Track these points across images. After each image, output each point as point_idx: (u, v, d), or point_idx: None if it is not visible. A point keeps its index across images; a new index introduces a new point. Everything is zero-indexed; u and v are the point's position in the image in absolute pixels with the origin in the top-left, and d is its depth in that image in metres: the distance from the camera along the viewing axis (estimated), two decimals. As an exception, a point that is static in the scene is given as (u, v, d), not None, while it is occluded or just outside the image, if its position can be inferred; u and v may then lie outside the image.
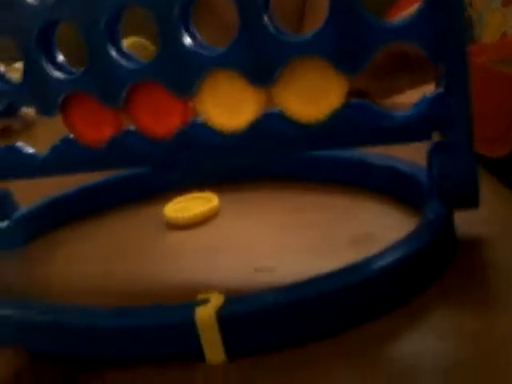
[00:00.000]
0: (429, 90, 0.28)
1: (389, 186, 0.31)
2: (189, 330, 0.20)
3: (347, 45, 0.23)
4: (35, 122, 0.73)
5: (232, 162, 0.34)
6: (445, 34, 0.22)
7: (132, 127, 0.28)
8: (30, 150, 0.30)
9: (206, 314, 0.20)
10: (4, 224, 0.33)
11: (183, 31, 0.25)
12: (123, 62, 0.26)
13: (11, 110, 0.66)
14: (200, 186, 0.36)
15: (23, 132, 0.71)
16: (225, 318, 0.20)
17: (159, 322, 0.21)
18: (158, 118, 0.27)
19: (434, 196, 0.26)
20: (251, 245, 0.29)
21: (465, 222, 0.26)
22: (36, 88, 0.28)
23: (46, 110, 0.28)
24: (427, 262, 0.23)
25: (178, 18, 0.24)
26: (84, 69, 0.26)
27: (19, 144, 0.31)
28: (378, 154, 0.32)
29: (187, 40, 0.25)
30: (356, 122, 0.25)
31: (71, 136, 0.29)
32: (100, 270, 0.29)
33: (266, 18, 0.24)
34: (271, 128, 0.26)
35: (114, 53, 0.26)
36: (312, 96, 0.25)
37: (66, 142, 0.29)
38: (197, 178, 0.36)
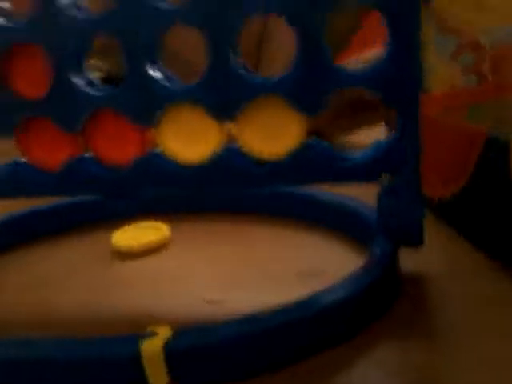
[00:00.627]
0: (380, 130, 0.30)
1: (338, 223, 0.32)
2: (134, 363, 0.20)
3: (309, 87, 0.25)
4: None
5: (188, 192, 0.35)
6: (400, 82, 0.24)
7: (89, 154, 0.28)
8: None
9: (152, 347, 0.20)
10: None
11: (148, 62, 0.25)
12: (87, 88, 0.26)
13: None
14: (149, 215, 0.36)
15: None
16: (171, 352, 0.20)
17: (103, 353, 0.20)
18: (116, 145, 0.27)
19: (381, 234, 0.27)
20: (201, 277, 0.30)
21: (409, 260, 0.27)
22: None
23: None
24: (375, 296, 0.24)
25: (145, 48, 0.25)
26: (45, 94, 0.26)
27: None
28: (329, 191, 0.33)
29: (154, 71, 0.25)
30: (312, 160, 0.26)
31: (24, 159, 0.29)
32: (38, 299, 0.29)
33: (234, 59, 0.25)
34: (231, 162, 0.27)
35: (76, 79, 0.26)
36: (272, 134, 0.26)
37: (17, 165, 0.29)
38: (146, 207, 0.36)
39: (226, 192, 0.36)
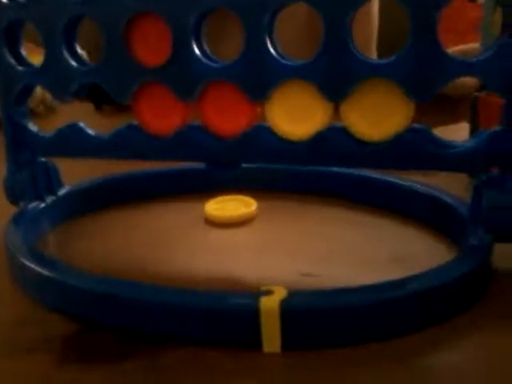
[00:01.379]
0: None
1: (428, 215, 0.33)
2: (252, 318, 0.21)
3: (422, 73, 0.25)
4: (57, 107, 0.74)
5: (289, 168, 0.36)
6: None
7: (198, 123, 0.29)
8: (92, 131, 0.31)
9: (270, 304, 0.21)
10: (50, 199, 0.34)
11: (267, 38, 0.26)
12: (204, 59, 0.27)
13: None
14: (239, 191, 0.37)
15: (46, 116, 0.72)
16: (288, 311, 0.21)
17: (225, 305, 0.22)
18: (227, 117, 0.29)
19: (477, 226, 0.27)
20: (291, 250, 0.31)
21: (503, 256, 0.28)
22: (54, 74, 0.30)
23: (60, 95, 0.30)
24: (470, 285, 0.25)
25: (265, 24, 0.26)
26: (165, 61, 0.28)
27: (81, 124, 0.32)
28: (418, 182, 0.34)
29: (270, 47, 0.26)
30: (417, 146, 0.27)
31: (136, 123, 0.30)
32: (137, 254, 0.30)
33: (348, 36, 0.25)
34: (333, 141, 0.28)
35: (196, 49, 0.27)
36: (378, 116, 0.27)
37: (130, 128, 0.30)
38: (237, 182, 0.38)
39: (317, 175, 0.38)
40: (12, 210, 0.32)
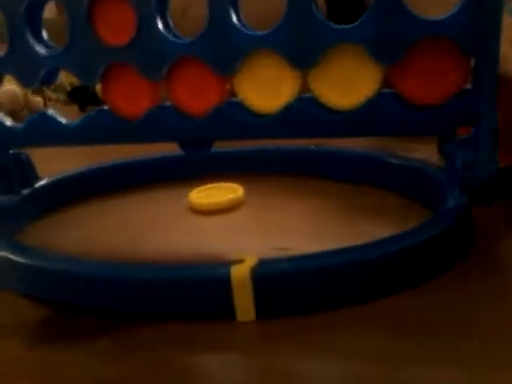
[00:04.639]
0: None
1: (407, 185, 0.32)
2: (223, 287, 0.21)
3: (388, 35, 0.25)
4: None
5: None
6: (478, 30, 0.23)
7: (168, 102, 0.29)
8: (63, 119, 0.31)
9: (241, 272, 0.21)
10: (25, 192, 0.34)
11: (231, 9, 0.26)
12: (169, 36, 0.27)
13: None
14: (224, 177, 0.37)
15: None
16: (259, 277, 0.21)
17: (196, 277, 0.22)
18: (196, 95, 0.28)
19: (453, 189, 0.27)
20: (274, 230, 0.30)
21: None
22: (19, 61, 0.29)
23: (28, 82, 0.30)
24: (449, 244, 0.24)
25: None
26: (130, 40, 0.27)
27: (51, 112, 0.31)
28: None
29: (234, 18, 0.26)
30: (388, 110, 0.26)
31: (106, 107, 0.30)
32: (127, 237, 0.30)
33: (313, 4, 0.25)
34: (305, 112, 0.27)
35: (161, 26, 0.27)
36: (347, 83, 0.26)
37: (100, 112, 0.30)
38: (221, 167, 0.38)
39: (301, 154, 0.37)
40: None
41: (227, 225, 0.32)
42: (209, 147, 0.30)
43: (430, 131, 0.27)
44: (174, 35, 0.28)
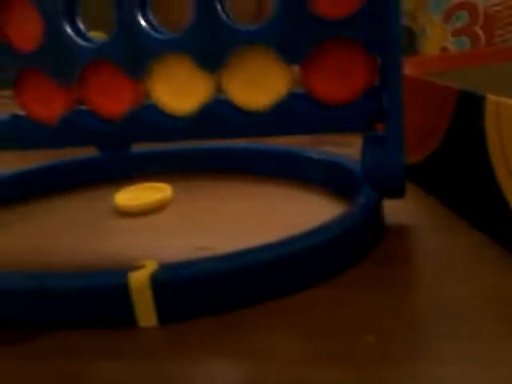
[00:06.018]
0: None
1: (330, 180, 0.33)
2: (122, 294, 0.21)
3: (292, 36, 0.25)
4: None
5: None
6: (380, 28, 0.24)
7: (84, 107, 0.29)
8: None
9: (139, 278, 0.21)
10: None
11: (139, 13, 0.26)
12: (79, 40, 0.27)
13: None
14: (153, 177, 0.37)
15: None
16: (159, 283, 0.21)
17: (95, 285, 0.21)
18: (110, 97, 0.28)
19: (365, 183, 0.28)
20: (195, 229, 0.31)
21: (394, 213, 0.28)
22: None
23: None
24: (354, 240, 0.25)
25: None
26: (39, 47, 0.27)
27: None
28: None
29: (142, 22, 0.26)
30: (300, 110, 0.27)
31: (22, 112, 0.30)
32: (44, 243, 0.30)
33: (219, 7, 0.25)
34: (219, 113, 0.27)
35: (69, 31, 0.27)
36: (258, 85, 0.27)
37: (16, 118, 0.30)
38: (149, 167, 0.38)
39: (226, 152, 0.38)
40: None
41: (151, 226, 0.32)
42: (126, 149, 0.30)
43: (342, 129, 0.27)
44: (86, 39, 0.27)
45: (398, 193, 0.27)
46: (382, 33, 0.24)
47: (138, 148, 0.37)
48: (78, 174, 0.38)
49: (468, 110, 0.26)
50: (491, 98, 0.23)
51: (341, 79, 0.26)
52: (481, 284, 0.22)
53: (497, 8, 0.34)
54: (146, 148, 0.38)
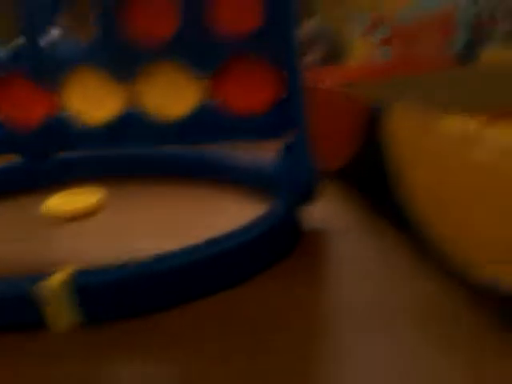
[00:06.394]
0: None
1: (256, 183, 0.34)
2: (35, 301, 0.21)
3: (199, 52, 0.26)
4: None
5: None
6: (280, 44, 0.25)
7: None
8: None
9: (53, 283, 0.21)
10: None
11: (50, 26, 0.26)
12: (-10, 53, 0.27)
13: None
14: (85, 182, 0.37)
15: None
16: (73, 288, 0.22)
17: (5, 291, 0.22)
18: (23, 109, 0.29)
19: (282, 189, 0.29)
20: (128, 231, 0.31)
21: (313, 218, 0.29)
22: None
23: None
24: (268, 245, 0.26)
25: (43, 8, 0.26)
26: None
27: None
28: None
29: (53, 34, 0.27)
30: (213, 119, 0.28)
31: None
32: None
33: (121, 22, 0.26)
34: (134, 123, 0.28)
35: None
36: (171, 95, 0.27)
37: None
38: (80, 172, 0.38)
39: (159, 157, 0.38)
40: None
41: (84, 230, 0.32)
42: (48, 159, 0.30)
43: (253, 137, 0.28)
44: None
45: (307, 198, 0.28)
46: (282, 48, 0.25)
47: (68, 154, 0.38)
48: (6, 182, 0.38)
49: (373, 119, 0.27)
50: (389, 108, 0.25)
51: (249, 92, 0.27)
52: (393, 285, 0.23)
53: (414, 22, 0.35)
54: (76, 153, 0.39)
